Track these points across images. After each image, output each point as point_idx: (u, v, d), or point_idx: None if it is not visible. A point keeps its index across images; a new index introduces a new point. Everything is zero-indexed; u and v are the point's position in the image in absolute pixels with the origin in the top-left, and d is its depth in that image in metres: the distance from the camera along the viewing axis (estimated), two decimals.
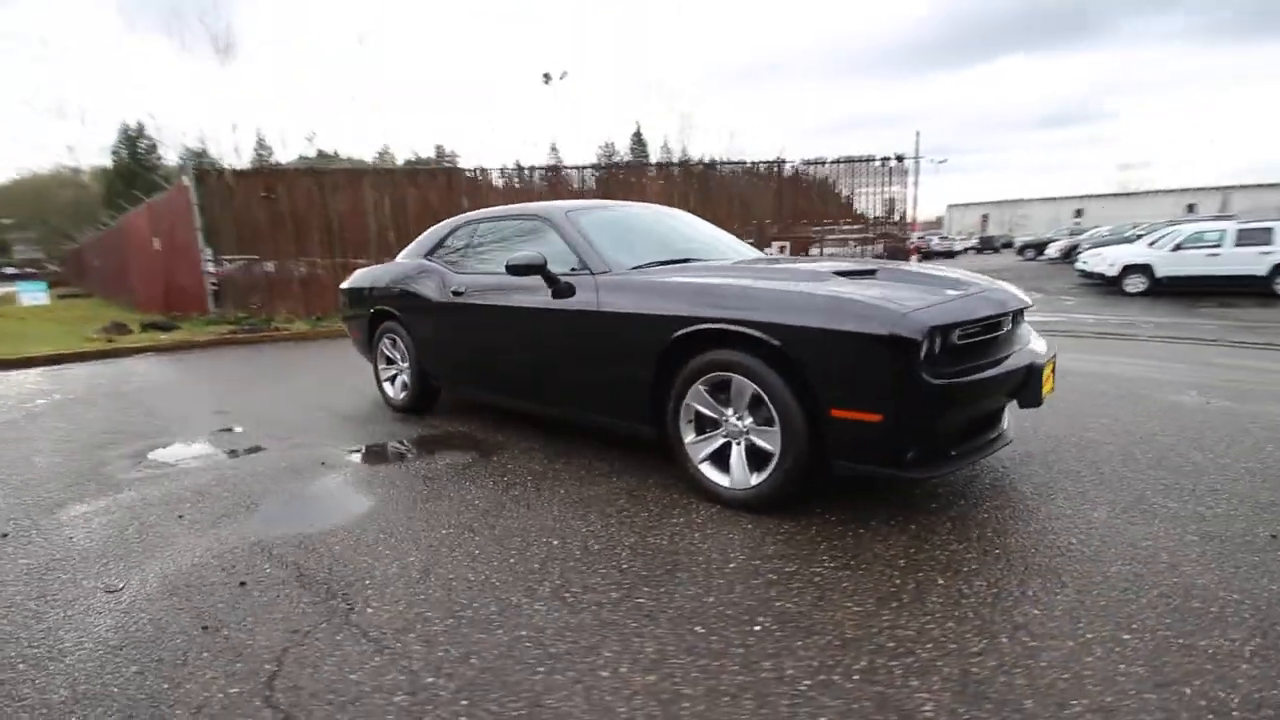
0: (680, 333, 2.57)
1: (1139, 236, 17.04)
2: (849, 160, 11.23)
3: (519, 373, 3.45)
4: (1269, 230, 11.62)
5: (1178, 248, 12.43)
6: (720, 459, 2.62)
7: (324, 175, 10.31)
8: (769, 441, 2.41)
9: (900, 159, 11.08)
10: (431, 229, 4.36)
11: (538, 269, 3.06)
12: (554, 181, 10.92)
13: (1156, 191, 48.62)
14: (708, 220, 4.35)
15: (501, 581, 2.08)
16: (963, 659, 1.60)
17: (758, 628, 1.77)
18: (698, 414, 2.64)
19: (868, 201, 11.37)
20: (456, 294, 3.70)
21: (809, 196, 11.23)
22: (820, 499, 2.58)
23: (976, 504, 2.54)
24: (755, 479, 2.47)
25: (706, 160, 11.14)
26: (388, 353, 4.46)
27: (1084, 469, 2.88)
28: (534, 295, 3.22)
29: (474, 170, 10.74)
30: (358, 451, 3.59)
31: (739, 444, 2.55)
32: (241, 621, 1.90)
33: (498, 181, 10.78)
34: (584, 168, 11.08)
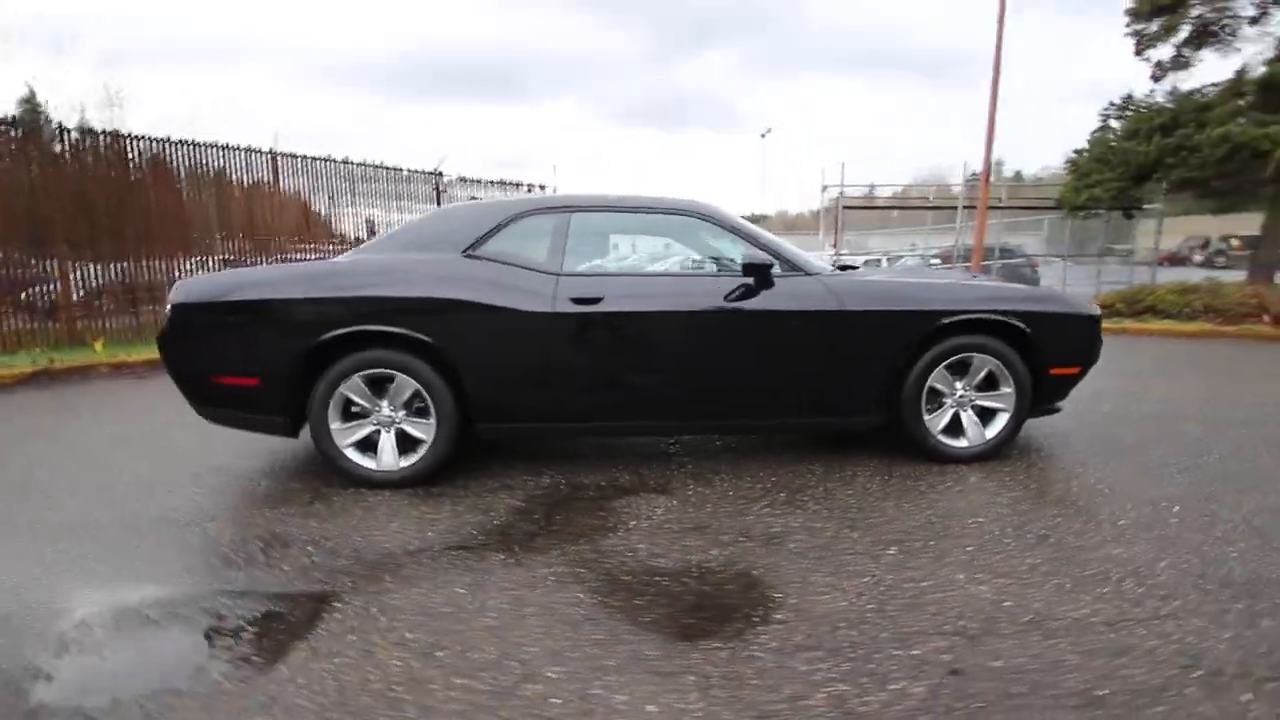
0: (943, 323, 2.97)
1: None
2: (502, 183, 11.49)
3: (691, 388, 2.97)
4: None
5: None
6: (950, 428, 3.13)
7: None
8: (1002, 403, 3.11)
9: (519, 185, 11.88)
10: (448, 214, 3.05)
11: (767, 269, 2.85)
12: None
13: None
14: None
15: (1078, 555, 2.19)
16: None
17: (1175, 516, 2.54)
18: (930, 391, 3.09)
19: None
20: (583, 300, 2.83)
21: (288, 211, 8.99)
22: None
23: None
24: (989, 434, 3.12)
25: (309, 154, 9.26)
26: (361, 402, 2.85)
27: None
28: (708, 298, 2.92)
29: None
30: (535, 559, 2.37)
31: (966, 411, 3.14)
32: None
33: None
34: None
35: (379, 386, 2.88)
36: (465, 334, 2.83)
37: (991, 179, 11.75)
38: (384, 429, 2.91)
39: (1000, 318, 3.01)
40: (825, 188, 13.08)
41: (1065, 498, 2.70)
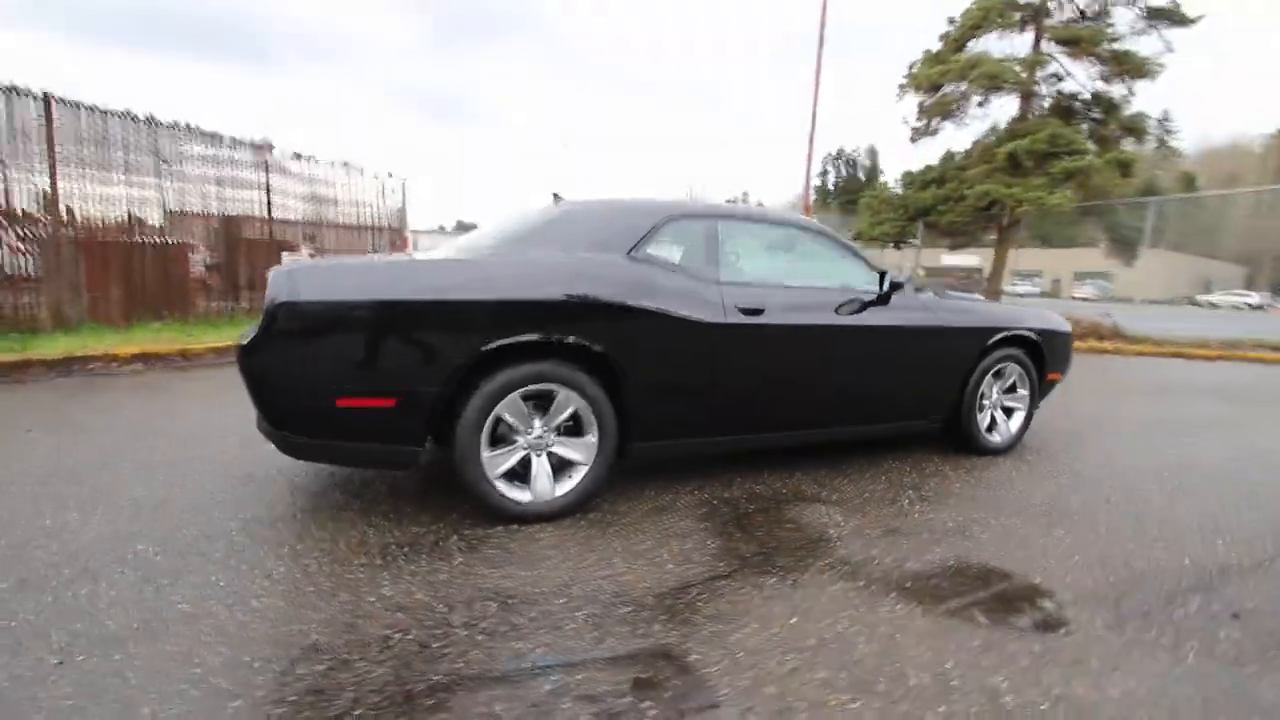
0: (995, 338, 3.52)
1: None
2: (346, 165, 9.92)
3: (833, 399, 3.14)
4: None
5: None
6: (990, 427, 3.71)
7: None
8: (1020, 403, 3.78)
9: (362, 170, 10.52)
10: (585, 211, 2.76)
11: (899, 286, 3.12)
12: None
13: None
14: None
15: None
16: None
17: (1185, 484, 3.38)
18: (981, 397, 3.63)
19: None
20: (751, 311, 2.76)
21: None
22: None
23: None
24: (1013, 428, 3.77)
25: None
26: (514, 423, 2.43)
27: None
28: (832, 313, 3.09)
29: None
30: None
31: (997, 411, 3.75)
32: None
33: None
34: None
35: (531, 408, 2.48)
36: (639, 344, 2.59)
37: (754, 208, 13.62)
38: (535, 453, 2.52)
39: (1027, 333, 3.69)
40: None
41: (1099, 477, 3.40)
